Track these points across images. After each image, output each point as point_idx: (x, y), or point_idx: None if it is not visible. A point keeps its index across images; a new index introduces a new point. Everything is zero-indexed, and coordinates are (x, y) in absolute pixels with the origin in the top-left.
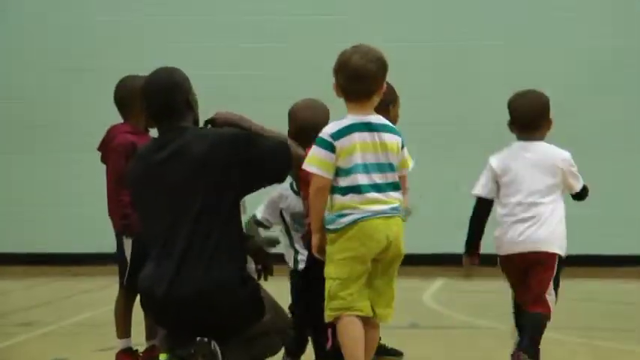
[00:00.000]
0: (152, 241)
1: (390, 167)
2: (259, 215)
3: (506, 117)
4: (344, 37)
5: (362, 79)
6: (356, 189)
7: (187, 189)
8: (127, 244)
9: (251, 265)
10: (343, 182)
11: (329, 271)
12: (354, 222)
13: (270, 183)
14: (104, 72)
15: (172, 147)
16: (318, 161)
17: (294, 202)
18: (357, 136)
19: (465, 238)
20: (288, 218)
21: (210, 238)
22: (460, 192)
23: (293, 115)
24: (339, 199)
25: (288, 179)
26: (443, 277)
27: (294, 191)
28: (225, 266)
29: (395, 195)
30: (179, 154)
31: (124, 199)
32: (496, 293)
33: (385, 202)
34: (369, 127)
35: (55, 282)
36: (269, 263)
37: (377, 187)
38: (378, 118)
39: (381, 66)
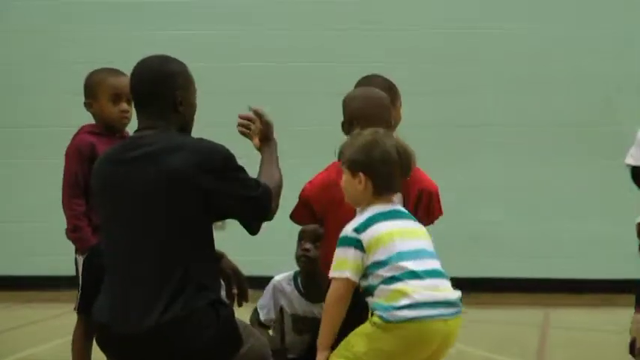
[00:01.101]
0: (110, 261)
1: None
2: (263, 316)
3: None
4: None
5: (391, 165)
6: (407, 275)
7: (153, 200)
8: (80, 262)
9: (222, 292)
10: (386, 273)
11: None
12: (414, 320)
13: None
14: None
15: (145, 149)
16: (347, 263)
17: (298, 303)
18: (383, 225)
19: (474, 258)
20: (287, 320)
21: (177, 261)
22: (473, 202)
23: (344, 105)
24: (386, 289)
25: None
26: None
27: (299, 291)
28: (195, 294)
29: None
30: (149, 159)
31: (76, 209)
32: (517, 325)
33: (444, 291)
34: (394, 215)
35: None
36: (244, 287)
37: (429, 273)
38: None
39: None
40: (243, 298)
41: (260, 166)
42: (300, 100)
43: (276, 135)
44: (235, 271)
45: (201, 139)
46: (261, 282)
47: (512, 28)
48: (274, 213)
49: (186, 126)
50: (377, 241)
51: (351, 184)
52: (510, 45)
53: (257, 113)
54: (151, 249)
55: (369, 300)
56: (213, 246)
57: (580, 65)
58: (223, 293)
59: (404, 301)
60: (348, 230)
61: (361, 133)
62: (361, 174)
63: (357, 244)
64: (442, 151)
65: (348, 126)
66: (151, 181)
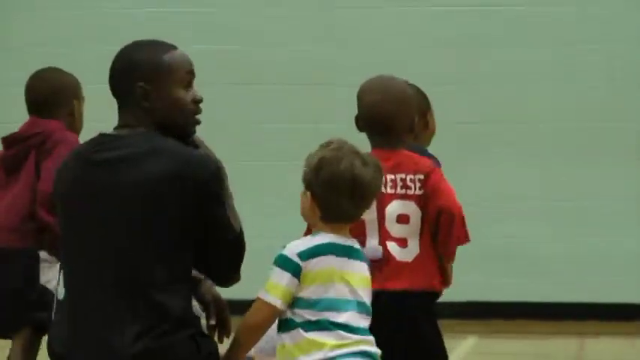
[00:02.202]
0: (69, 281)
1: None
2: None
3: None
4: None
5: (365, 197)
6: (333, 326)
7: (124, 214)
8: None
9: (203, 320)
10: (311, 316)
11: None
12: None
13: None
14: None
15: (120, 152)
16: (279, 290)
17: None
18: (331, 261)
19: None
20: None
21: (149, 288)
22: (494, 211)
23: (358, 98)
24: (302, 335)
25: None
26: (474, 335)
27: None
28: (171, 326)
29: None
30: (125, 162)
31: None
32: (546, 358)
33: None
34: (347, 252)
35: None
36: (226, 317)
37: (360, 331)
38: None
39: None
40: (224, 332)
41: None
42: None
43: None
44: (216, 299)
45: (188, 147)
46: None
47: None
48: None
49: (172, 128)
50: (315, 276)
51: (302, 199)
52: (539, 28)
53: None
54: (119, 272)
55: (280, 335)
56: (190, 270)
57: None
58: (203, 322)
59: (316, 356)
60: (291, 251)
61: (329, 143)
62: (308, 193)
63: (295, 271)
64: (459, 150)
65: (361, 123)
66: (120, 191)
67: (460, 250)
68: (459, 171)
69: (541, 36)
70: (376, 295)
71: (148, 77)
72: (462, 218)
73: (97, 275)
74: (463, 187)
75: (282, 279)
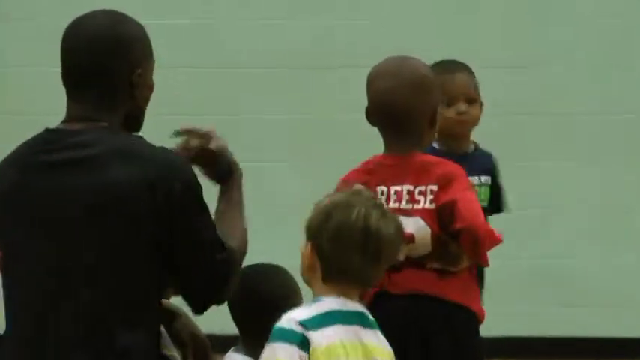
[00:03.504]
0: (13, 309)
1: None
2: None
3: None
4: None
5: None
6: None
7: (80, 230)
8: None
9: None
10: None
11: None
12: None
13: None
14: None
15: (77, 153)
16: None
17: None
18: (342, 332)
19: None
20: None
21: (110, 323)
22: (543, 224)
23: (369, 84)
24: None
25: None
26: None
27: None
28: None
29: None
30: (82, 167)
31: None
32: None
33: None
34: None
35: None
36: (208, 357)
37: None
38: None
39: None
40: None
41: (216, 216)
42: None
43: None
44: (195, 337)
45: (161, 148)
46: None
47: None
48: (231, 292)
49: (137, 121)
50: (328, 352)
51: (302, 252)
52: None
53: (194, 134)
54: (71, 300)
55: None
56: (161, 301)
57: None
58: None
59: None
60: (291, 321)
61: (343, 188)
62: (309, 244)
63: (302, 343)
64: (503, 147)
65: (371, 116)
66: (80, 202)
67: (497, 275)
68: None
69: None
70: None
71: (143, 59)
72: (484, 238)
73: (50, 307)
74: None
75: (277, 353)
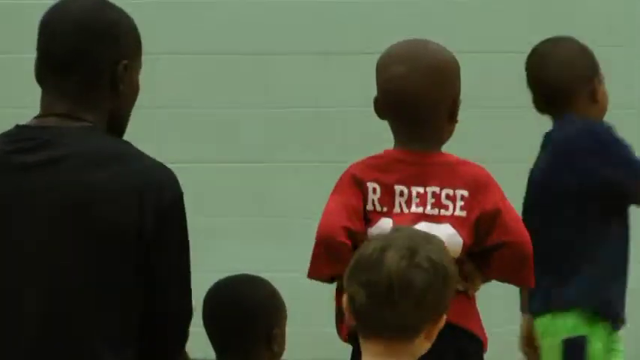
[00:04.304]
0: None
1: None
2: None
3: None
4: None
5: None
6: None
7: (55, 239)
8: None
9: None
10: None
11: None
12: None
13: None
14: None
15: (54, 152)
16: None
17: None
18: None
19: None
20: None
21: (85, 342)
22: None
23: (378, 71)
24: None
25: None
26: None
27: None
28: None
29: None
30: (64, 167)
31: None
32: None
33: None
34: None
35: None
36: None
37: None
38: None
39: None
40: None
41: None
42: None
43: None
44: None
45: (153, 159)
46: None
47: None
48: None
49: (119, 124)
50: None
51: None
52: None
53: None
54: (43, 310)
55: None
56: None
57: None
58: None
59: None
60: None
61: (395, 230)
62: (344, 296)
63: None
64: None
65: (381, 107)
66: (58, 204)
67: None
68: None
69: None
70: None
71: (130, 50)
72: (532, 259)
73: (13, 309)
74: None
75: None
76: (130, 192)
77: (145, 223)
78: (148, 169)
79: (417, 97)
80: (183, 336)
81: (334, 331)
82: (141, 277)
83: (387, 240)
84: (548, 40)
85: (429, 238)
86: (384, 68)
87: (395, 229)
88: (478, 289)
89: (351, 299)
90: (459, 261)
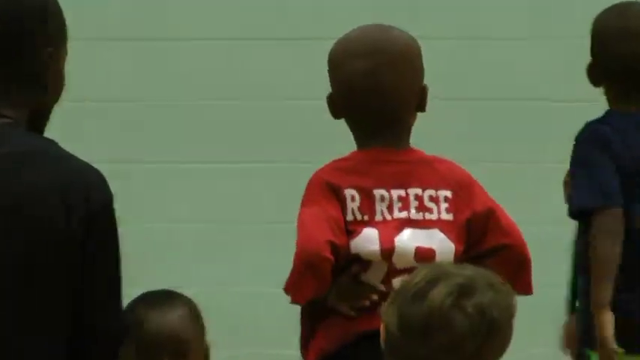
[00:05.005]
0: None
1: None
2: None
3: None
4: None
5: None
6: None
7: None
8: None
9: None
10: None
11: None
12: None
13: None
14: None
15: None
16: None
17: None
18: None
19: None
20: None
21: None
22: None
23: (334, 66)
24: None
25: None
26: None
27: None
28: None
29: None
30: None
31: None
32: None
33: None
34: None
35: None
36: None
37: None
38: None
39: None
40: None
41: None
42: None
43: None
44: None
45: (73, 156)
46: None
47: None
48: None
49: (43, 117)
50: None
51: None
52: None
53: None
54: None
55: None
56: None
57: None
58: None
59: None
60: None
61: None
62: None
63: None
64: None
65: (339, 106)
66: None
67: None
68: None
69: None
70: None
71: (57, 41)
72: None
73: None
74: None
75: None
76: (56, 194)
77: (71, 231)
78: (74, 170)
79: (387, 94)
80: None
81: (296, 353)
82: (71, 288)
83: (440, 272)
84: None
85: (495, 285)
86: (343, 62)
87: (462, 266)
88: None
89: (385, 327)
90: None
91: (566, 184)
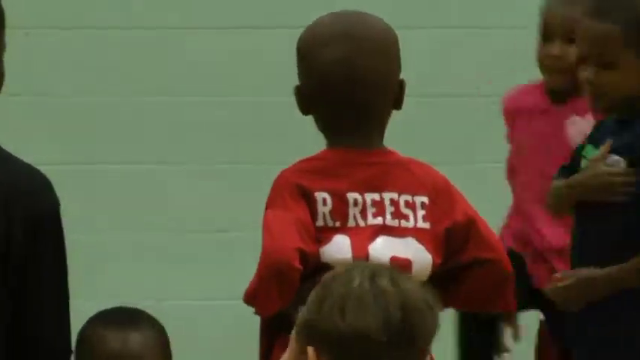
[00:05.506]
0: None
1: None
2: None
3: None
4: None
5: None
6: None
7: None
8: None
9: None
10: None
11: None
12: None
13: None
14: None
15: None
16: None
17: None
18: None
19: None
20: None
21: None
22: None
23: (305, 54)
24: None
25: None
26: None
27: None
28: None
29: None
30: None
31: None
32: None
33: None
34: None
35: None
36: None
37: None
38: None
39: None
40: None
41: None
42: None
43: None
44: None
45: (15, 157)
46: None
47: None
48: None
49: None
50: None
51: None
52: None
53: None
54: None
55: None
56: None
57: None
58: None
59: None
60: None
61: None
62: (310, 350)
63: None
64: None
65: (308, 98)
66: None
67: None
68: None
69: None
70: None
71: None
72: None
73: None
74: None
75: None
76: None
77: (13, 237)
78: (15, 173)
79: (365, 86)
80: None
81: None
82: (10, 302)
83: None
84: None
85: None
86: (314, 51)
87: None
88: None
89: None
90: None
91: None
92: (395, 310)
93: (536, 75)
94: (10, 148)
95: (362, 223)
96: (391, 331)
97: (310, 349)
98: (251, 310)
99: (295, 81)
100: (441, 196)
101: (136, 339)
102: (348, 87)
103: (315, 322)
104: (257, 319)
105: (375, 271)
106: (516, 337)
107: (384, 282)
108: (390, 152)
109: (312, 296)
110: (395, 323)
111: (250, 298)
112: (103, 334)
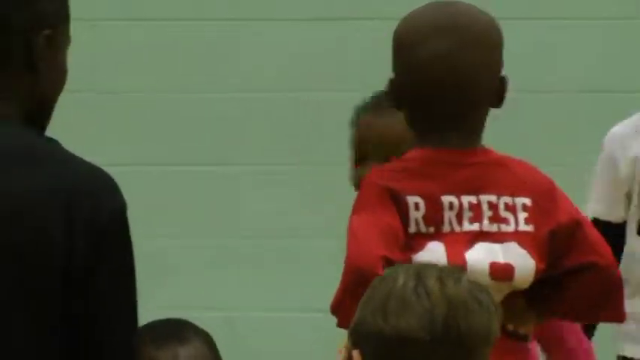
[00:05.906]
0: None
1: None
2: None
3: None
4: None
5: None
6: None
7: None
8: None
9: None
10: None
11: None
12: None
13: None
14: None
15: None
16: None
17: None
18: None
19: None
20: None
21: None
22: None
23: (401, 47)
24: None
25: None
26: None
27: None
28: None
29: None
30: None
31: None
32: None
33: None
34: None
35: None
36: None
37: None
38: None
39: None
40: None
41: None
42: None
43: None
44: None
45: (78, 157)
46: None
47: None
48: None
49: (41, 112)
50: None
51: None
52: None
53: None
54: None
55: None
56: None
57: None
58: None
59: None
60: None
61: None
62: (355, 353)
63: None
64: None
65: (403, 93)
66: None
67: None
68: None
69: None
70: None
71: (54, 21)
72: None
73: None
74: None
75: None
76: (55, 203)
77: (75, 243)
78: (78, 174)
79: (469, 80)
80: None
81: None
82: (70, 314)
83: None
84: None
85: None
86: (415, 43)
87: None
88: (531, 329)
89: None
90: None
91: None
92: (439, 309)
93: None
94: (75, 149)
95: (457, 229)
96: (435, 329)
97: (355, 352)
98: (322, 322)
99: (372, 78)
100: (545, 197)
101: (186, 352)
102: (449, 83)
103: (360, 325)
104: (333, 332)
105: (420, 270)
106: None
107: (430, 281)
108: (489, 151)
109: (362, 299)
110: (438, 321)
111: (335, 308)
112: (156, 355)
